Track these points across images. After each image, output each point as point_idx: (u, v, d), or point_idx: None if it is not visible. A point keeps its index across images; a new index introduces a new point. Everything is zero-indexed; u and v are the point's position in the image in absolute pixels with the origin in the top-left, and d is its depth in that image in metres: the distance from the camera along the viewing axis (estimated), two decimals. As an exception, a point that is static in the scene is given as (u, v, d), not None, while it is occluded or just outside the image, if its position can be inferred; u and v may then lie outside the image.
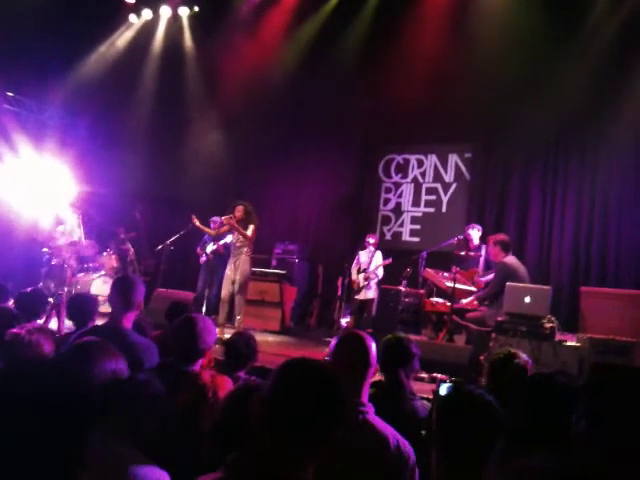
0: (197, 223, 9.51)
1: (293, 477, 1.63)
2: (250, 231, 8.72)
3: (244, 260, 8.74)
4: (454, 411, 2.17)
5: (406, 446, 2.57)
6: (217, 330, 6.92)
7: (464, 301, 7.71)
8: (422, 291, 9.16)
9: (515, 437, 2.22)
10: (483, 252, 8.27)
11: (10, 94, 12.07)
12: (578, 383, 2.46)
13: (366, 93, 11.17)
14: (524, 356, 3.65)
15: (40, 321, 4.84)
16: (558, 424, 2.21)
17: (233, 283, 8.70)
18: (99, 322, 4.34)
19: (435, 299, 8.49)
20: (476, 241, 8.48)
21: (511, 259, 7.34)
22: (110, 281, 10.31)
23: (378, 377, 3.03)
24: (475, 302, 7.57)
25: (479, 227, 8.73)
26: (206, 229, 9.85)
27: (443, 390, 2.36)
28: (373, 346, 2.76)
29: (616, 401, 1.76)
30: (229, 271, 8.76)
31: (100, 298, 7.06)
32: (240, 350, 3.84)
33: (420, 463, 2.56)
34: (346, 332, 2.94)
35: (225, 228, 9.13)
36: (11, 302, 5.09)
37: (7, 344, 3.21)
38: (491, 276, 7.77)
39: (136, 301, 3.86)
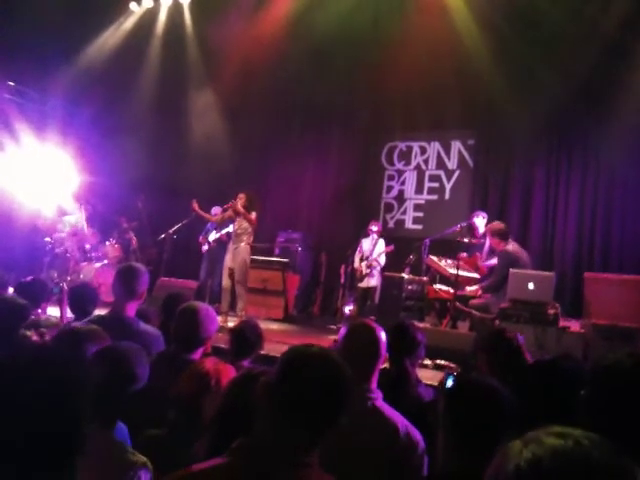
0: (197, 208, 9.50)
1: (298, 461, 1.65)
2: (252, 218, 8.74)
3: (243, 249, 8.73)
4: (463, 401, 2.17)
5: (415, 433, 2.58)
6: (220, 318, 6.95)
7: (469, 289, 7.69)
8: (425, 278, 9.14)
9: (520, 423, 2.21)
10: (488, 240, 8.25)
11: (12, 84, 12.04)
12: (583, 367, 2.45)
13: (368, 80, 11.10)
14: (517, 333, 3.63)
15: (40, 310, 4.84)
16: (563, 409, 2.19)
17: (232, 271, 8.70)
18: (101, 311, 4.34)
19: (438, 286, 8.47)
20: (481, 229, 8.41)
21: (513, 246, 7.31)
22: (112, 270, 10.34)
23: (383, 364, 3.02)
24: (480, 291, 7.55)
25: (484, 214, 8.67)
26: (206, 215, 9.86)
27: (450, 383, 2.37)
28: (383, 336, 2.76)
29: (621, 399, 1.75)
30: (228, 259, 8.78)
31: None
32: (247, 338, 3.84)
33: (427, 449, 2.57)
34: (356, 322, 2.94)
35: (228, 214, 9.12)
36: (11, 290, 5.09)
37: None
38: (494, 261, 7.75)
39: (140, 290, 3.86)
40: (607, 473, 0.95)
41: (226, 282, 8.74)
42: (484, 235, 8.29)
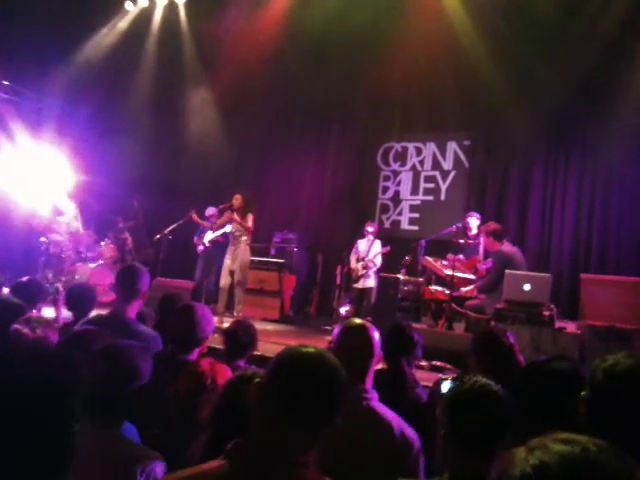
0: (195, 217, 9.56)
1: (295, 461, 1.63)
2: (250, 221, 8.72)
3: (243, 249, 8.73)
4: (461, 407, 2.15)
5: (411, 432, 2.57)
6: (216, 319, 6.95)
7: (464, 289, 7.70)
8: (421, 279, 9.15)
9: (519, 425, 2.21)
10: (482, 240, 8.25)
11: (8, 83, 12.02)
12: (578, 367, 2.44)
13: (365, 80, 11.09)
14: (508, 332, 3.62)
15: (35, 310, 4.81)
16: (560, 410, 2.18)
17: (232, 272, 8.69)
18: (100, 312, 4.32)
19: (434, 287, 8.48)
20: (474, 229, 8.47)
21: (507, 247, 7.32)
22: (108, 270, 10.34)
23: (380, 365, 3.01)
24: (475, 292, 7.56)
25: (477, 215, 8.72)
26: (204, 223, 9.90)
27: (445, 387, 2.35)
28: (376, 335, 2.75)
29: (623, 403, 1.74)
30: (228, 260, 8.76)
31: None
32: (240, 339, 3.83)
33: (423, 449, 2.56)
34: (349, 321, 2.92)
35: (224, 219, 9.11)
36: (6, 290, 5.07)
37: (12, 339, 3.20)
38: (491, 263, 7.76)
39: (141, 291, 3.85)
40: (614, 479, 0.95)
41: (224, 283, 8.73)
42: (478, 235, 8.32)
